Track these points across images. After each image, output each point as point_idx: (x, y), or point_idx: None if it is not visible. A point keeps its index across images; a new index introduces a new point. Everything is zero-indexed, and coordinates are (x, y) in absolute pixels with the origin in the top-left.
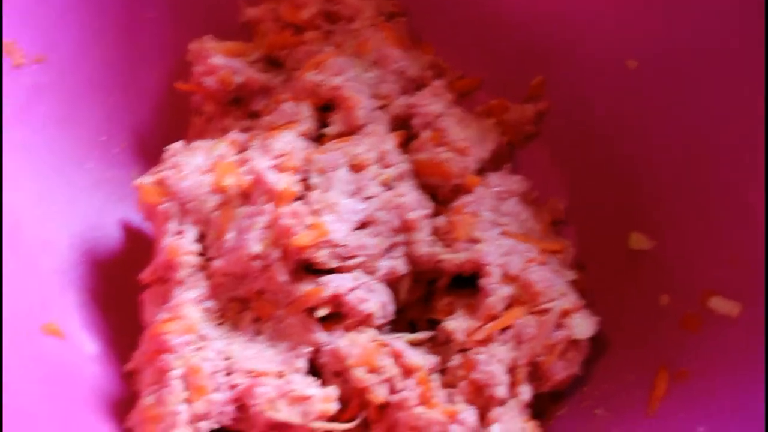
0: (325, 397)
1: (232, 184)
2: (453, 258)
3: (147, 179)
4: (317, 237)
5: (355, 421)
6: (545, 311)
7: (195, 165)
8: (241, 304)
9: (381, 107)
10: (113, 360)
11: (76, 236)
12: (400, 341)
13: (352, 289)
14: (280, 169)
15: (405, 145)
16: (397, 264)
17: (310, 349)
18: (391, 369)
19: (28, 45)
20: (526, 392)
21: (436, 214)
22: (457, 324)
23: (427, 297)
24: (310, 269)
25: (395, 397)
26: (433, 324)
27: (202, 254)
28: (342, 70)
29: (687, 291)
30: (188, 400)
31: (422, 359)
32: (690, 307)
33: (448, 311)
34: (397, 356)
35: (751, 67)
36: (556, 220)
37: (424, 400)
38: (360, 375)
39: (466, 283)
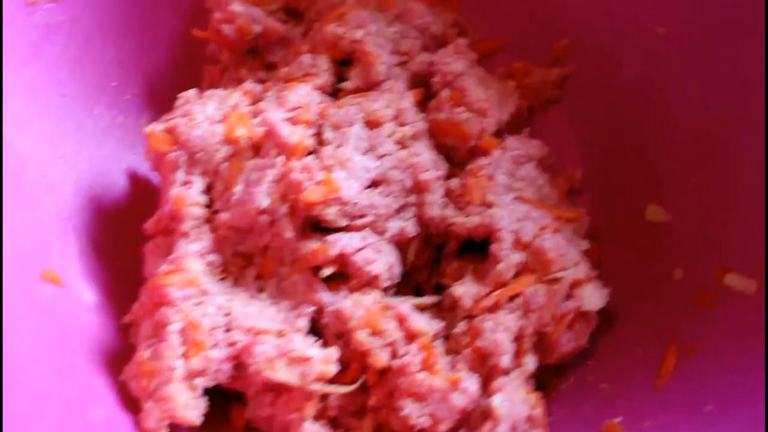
0: (324, 359)
1: (243, 135)
2: (465, 222)
3: (157, 126)
4: (327, 193)
5: (354, 385)
6: (556, 280)
7: (207, 114)
8: (245, 259)
9: (401, 63)
10: (111, 311)
11: (82, 182)
12: (405, 305)
13: (360, 249)
14: (293, 122)
15: (423, 104)
16: (407, 225)
17: (313, 308)
18: (395, 333)
19: None
20: (530, 363)
21: (450, 175)
22: (464, 290)
23: (436, 261)
24: (317, 227)
25: (397, 362)
26: (440, 289)
27: (208, 206)
28: (364, 23)
29: (702, 266)
30: (185, 356)
31: (427, 324)
32: (705, 283)
33: (456, 276)
34: (401, 320)
35: None
36: (572, 188)
37: (427, 367)
38: (362, 338)
39: (477, 248)
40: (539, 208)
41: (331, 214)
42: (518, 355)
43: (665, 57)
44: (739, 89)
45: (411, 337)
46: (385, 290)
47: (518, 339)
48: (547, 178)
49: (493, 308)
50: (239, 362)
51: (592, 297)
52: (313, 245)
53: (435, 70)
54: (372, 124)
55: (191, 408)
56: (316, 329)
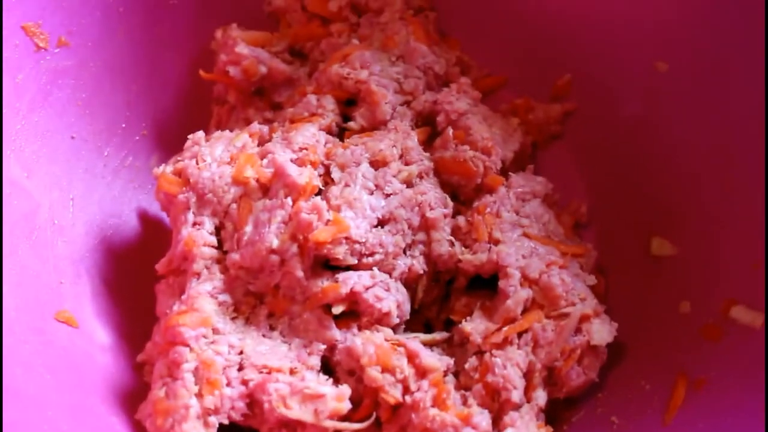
0: (338, 396)
1: (251, 176)
2: (472, 259)
3: (166, 168)
4: (336, 233)
5: (368, 422)
6: (564, 315)
7: (215, 156)
8: (256, 298)
9: (405, 103)
10: (125, 350)
11: (93, 224)
12: (415, 341)
13: (370, 288)
14: (301, 162)
15: (428, 143)
16: (415, 263)
17: (325, 346)
18: (406, 369)
19: (52, 28)
20: (541, 397)
21: (456, 213)
22: (474, 326)
23: (445, 297)
24: (327, 265)
25: (409, 398)
26: (449, 325)
27: (218, 247)
28: (368, 63)
29: (709, 299)
30: (199, 394)
31: (437, 360)
32: (711, 316)
33: (465, 312)
34: (412, 357)
35: None
36: (577, 223)
37: (438, 402)
38: (374, 374)
39: (485, 285)
40: (546, 245)
41: (340, 252)
42: (528, 389)
43: (666, 92)
44: (739, 123)
45: (422, 373)
46: (396, 327)
47: (528, 374)
48: (553, 214)
49: (503, 344)
50: (253, 400)
51: (601, 331)
52: (323, 284)
53: (439, 109)
54: (378, 163)
55: None
56: (328, 367)
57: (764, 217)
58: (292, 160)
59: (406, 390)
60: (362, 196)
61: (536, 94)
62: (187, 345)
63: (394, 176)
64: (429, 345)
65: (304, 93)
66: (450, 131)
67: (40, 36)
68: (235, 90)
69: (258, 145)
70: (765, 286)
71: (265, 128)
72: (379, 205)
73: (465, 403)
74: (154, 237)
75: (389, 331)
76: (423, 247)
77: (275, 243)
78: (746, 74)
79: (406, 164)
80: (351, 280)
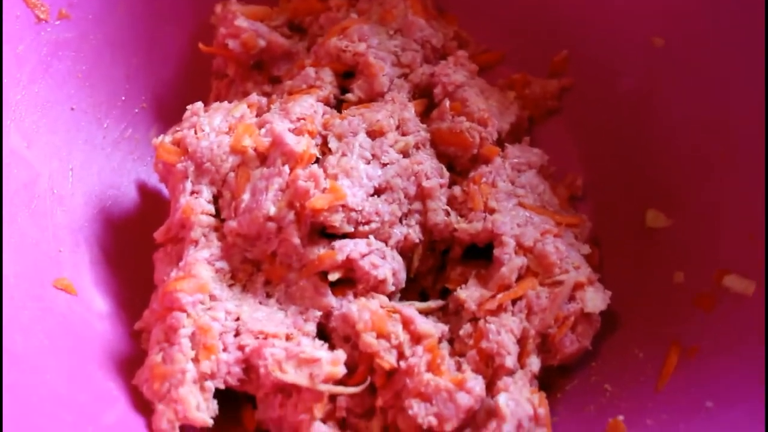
0: (333, 360)
1: (249, 145)
2: (468, 228)
3: (165, 138)
4: (333, 200)
5: (362, 386)
6: (558, 283)
7: (214, 126)
8: (253, 266)
9: (403, 75)
10: (123, 318)
11: (92, 194)
12: (410, 308)
13: (366, 255)
14: (298, 132)
15: (425, 114)
16: (411, 232)
17: (320, 313)
18: (401, 335)
19: (52, 0)
20: (534, 364)
21: (452, 183)
22: (468, 293)
23: (440, 266)
24: (324, 233)
25: (403, 364)
26: (445, 294)
27: (216, 215)
28: (366, 36)
29: (702, 269)
30: (196, 359)
31: (432, 327)
32: (704, 285)
33: (460, 281)
34: (407, 323)
35: None
36: (573, 195)
37: (433, 368)
38: (369, 340)
39: (480, 254)
40: (541, 214)
41: (336, 220)
42: (522, 356)
43: (662, 67)
44: (736, 97)
45: (417, 339)
46: (391, 295)
47: (522, 341)
48: (548, 185)
49: (497, 311)
50: (249, 365)
51: (594, 299)
52: (320, 251)
53: (436, 81)
54: (375, 133)
55: (203, 410)
56: (323, 333)
57: (761, 187)
58: (289, 130)
59: (401, 356)
60: (359, 165)
61: (533, 70)
62: (184, 311)
63: (391, 146)
64: (424, 313)
65: (303, 66)
66: (447, 103)
67: (41, 8)
68: (235, 63)
69: (256, 116)
70: (761, 255)
71: (264, 99)
72: (375, 174)
73: (459, 368)
74: (152, 208)
75: (385, 299)
76: (419, 216)
77: (272, 210)
78: (743, 49)
79: (403, 135)
80: (347, 248)
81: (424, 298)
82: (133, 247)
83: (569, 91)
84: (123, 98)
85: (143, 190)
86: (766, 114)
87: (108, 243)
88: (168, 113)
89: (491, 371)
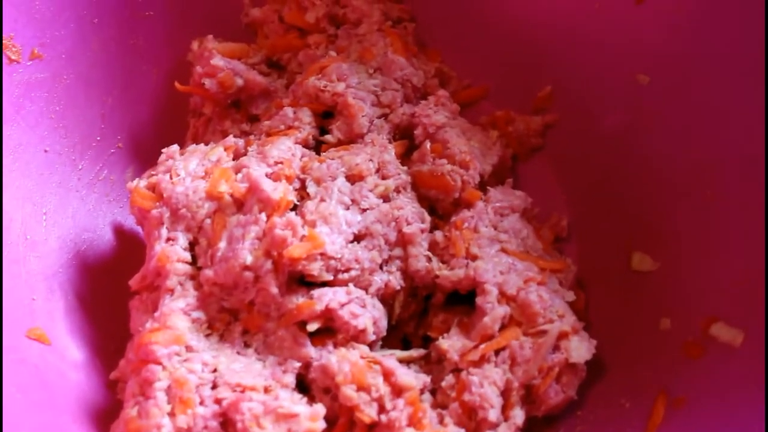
0: (312, 415)
1: (226, 191)
2: (450, 275)
3: (140, 183)
4: (311, 249)
5: None
6: (542, 333)
7: (189, 170)
8: (231, 315)
9: (383, 116)
10: (98, 367)
11: (66, 238)
12: (391, 359)
13: (345, 304)
14: (276, 177)
15: (406, 156)
16: (392, 278)
17: (299, 363)
18: (381, 388)
19: (24, 41)
20: (518, 416)
21: (434, 228)
22: (451, 343)
23: (423, 312)
24: (302, 281)
25: (384, 417)
26: (427, 341)
27: (192, 262)
28: (345, 76)
29: (689, 316)
30: (172, 413)
31: (413, 379)
32: (691, 333)
33: (443, 328)
34: (387, 375)
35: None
36: (558, 237)
37: (414, 422)
38: (349, 393)
39: (463, 300)
40: (524, 260)
41: (315, 269)
42: (506, 408)
43: (648, 105)
44: (724, 136)
45: (398, 391)
46: (372, 344)
47: (505, 392)
48: (532, 228)
49: (480, 362)
50: (226, 419)
51: (579, 349)
52: (298, 300)
53: (417, 122)
54: (354, 177)
55: None
56: (303, 384)
57: (751, 233)
58: (267, 175)
59: (382, 409)
60: (338, 211)
61: (517, 106)
62: (160, 363)
63: (371, 191)
64: (406, 362)
65: (281, 105)
66: (428, 144)
67: (12, 49)
68: (212, 102)
69: (233, 159)
70: (750, 304)
71: (241, 141)
72: (355, 221)
73: (441, 422)
74: (129, 251)
75: (365, 348)
76: (400, 262)
77: (249, 259)
78: (731, 87)
79: (383, 178)
80: (326, 297)
81: (405, 344)
82: (109, 293)
83: (553, 128)
84: (98, 138)
85: (119, 232)
86: (759, 153)
87: (83, 289)
88: (144, 153)
89: (474, 424)
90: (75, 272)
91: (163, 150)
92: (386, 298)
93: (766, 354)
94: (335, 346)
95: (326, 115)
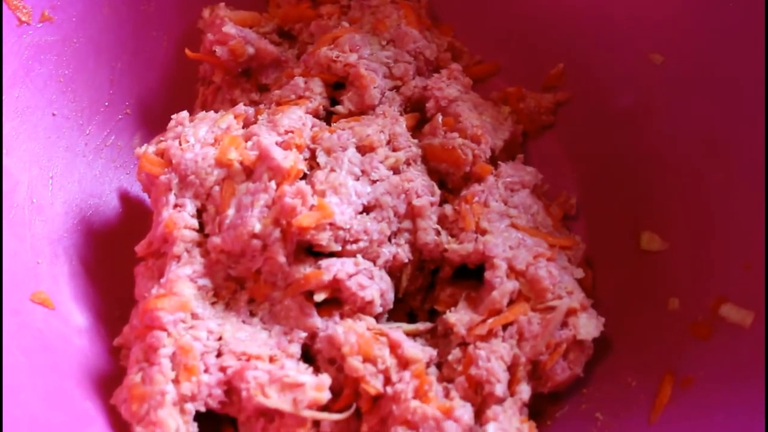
0: (317, 385)
1: (235, 159)
2: (458, 249)
3: (149, 148)
4: (320, 218)
5: (347, 412)
6: (550, 309)
7: (199, 137)
8: (237, 283)
9: (394, 88)
10: (102, 333)
11: (72, 203)
12: (398, 331)
13: (353, 275)
14: (286, 146)
15: (417, 129)
16: (400, 251)
17: (305, 334)
18: (388, 360)
19: (35, 2)
20: (525, 392)
21: (444, 201)
22: (458, 317)
23: (430, 286)
24: (310, 251)
25: (390, 389)
26: (433, 315)
27: (200, 230)
28: (357, 47)
29: (698, 296)
30: (176, 380)
31: (420, 351)
32: (700, 313)
33: (450, 302)
34: (394, 347)
35: None
36: (567, 215)
37: (420, 394)
38: (355, 364)
39: (471, 274)
40: (533, 236)
41: (324, 239)
42: (512, 383)
43: (660, 85)
44: (735, 117)
45: (404, 364)
46: (379, 316)
47: (512, 367)
48: (542, 205)
49: (487, 336)
50: (231, 387)
51: (587, 326)
52: (306, 270)
53: (429, 95)
54: (365, 149)
55: None
56: (308, 354)
57: (761, 214)
58: (277, 143)
59: (388, 381)
60: (348, 181)
61: (528, 83)
62: (165, 330)
63: (381, 162)
64: (412, 335)
65: (292, 75)
66: (439, 118)
67: (23, 10)
68: (222, 70)
69: (243, 127)
70: (760, 284)
71: (251, 110)
72: (364, 192)
73: (447, 395)
74: (134, 218)
75: (372, 320)
76: (408, 235)
77: (257, 227)
78: (743, 68)
79: (394, 150)
80: (334, 267)
81: (412, 318)
82: (114, 259)
83: (564, 106)
84: (106, 104)
85: (125, 198)
86: (767, 135)
87: (88, 254)
88: (152, 120)
89: (480, 399)
90: (80, 237)
91: (172, 116)
92: (394, 270)
93: None
94: (342, 317)
95: (337, 86)
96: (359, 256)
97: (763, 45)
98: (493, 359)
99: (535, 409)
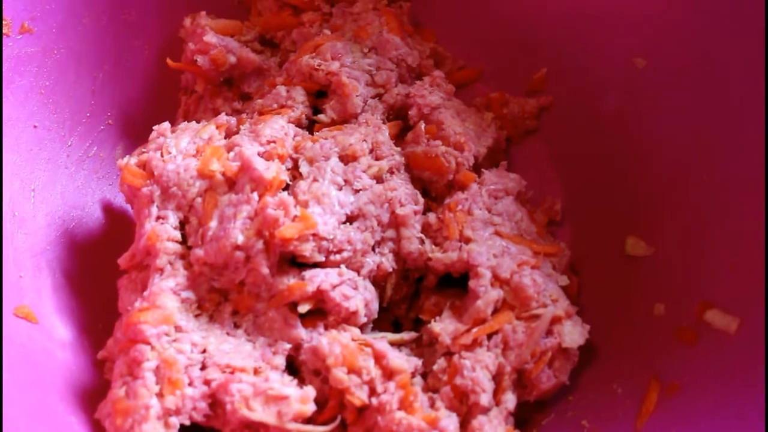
0: (302, 398)
1: (217, 170)
2: (443, 257)
3: (131, 160)
4: (303, 229)
5: (333, 424)
6: (535, 317)
7: (181, 148)
8: (221, 295)
9: (377, 96)
10: (86, 346)
11: (55, 215)
12: (383, 341)
13: (337, 286)
14: (268, 156)
15: (400, 137)
16: (384, 261)
17: (290, 345)
18: (372, 370)
19: (15, 14)
20: (510, 401)
21: (427, 209)
22: (443, 326)
23: (414, 295)
24: (294, 262)
25: (375, 400)
26: (418, 323)
27: (183, 242)
28: (339, 55)
29: (683, 302)
30: (160, 394)
31: (405, 362)
32: (686, 319)
33: (434, 311)
34: (379, 357)
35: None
36: (552, 221)
37: (405, 405)
38: (340, 375)
39: (455, 283)
40: (518, 244)
41: (307, 249)
42: (498, 392)
43: (644, 89)
44: (720, 120)
45: (389, 374)
46: (364, 326)
47: (497, 377)
48: (526, 211)
49: (472, 345)
50: (215, 400)
51: (572, 333)
52: (289, 281)
53: (411, 103)
54: (348, 158)
55: None
56: (293, 366)
57: (747, 220)
58: (259, 154)
59: (373, 392)
60: (331, 191)
61: (512, 88)
62: (149, 343)
63: (364, 171)
64: (397, 345)
65: (274, 84)
66: (422, 125)
67: (2, 22)
68: (203, 79)
69: (225, 137)
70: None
71: (233, 120)
72: (347, 201)
73: (432, 405)
74: (118, 229)
75: (356, 331)
76: (392, 244)
77: (240, 239)
78: (727, 71)
79: (377, 159)
80: (318, 278)
81: (397, 327)
82: (97, 272)
83: (548, 110)
84: (88, 115)
85: (108, 210)
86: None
87: (71, 267)
88: (134, 130)
89: (465, 409)
90: (63, 250)
91: (154, 127)
92: (378, 280)
93: (766, 341)
94: (326, 328)
95: (320, 94)
96: (343, 266)
97: (747, 48)
98: (478, 369)
99: (521, 418)
